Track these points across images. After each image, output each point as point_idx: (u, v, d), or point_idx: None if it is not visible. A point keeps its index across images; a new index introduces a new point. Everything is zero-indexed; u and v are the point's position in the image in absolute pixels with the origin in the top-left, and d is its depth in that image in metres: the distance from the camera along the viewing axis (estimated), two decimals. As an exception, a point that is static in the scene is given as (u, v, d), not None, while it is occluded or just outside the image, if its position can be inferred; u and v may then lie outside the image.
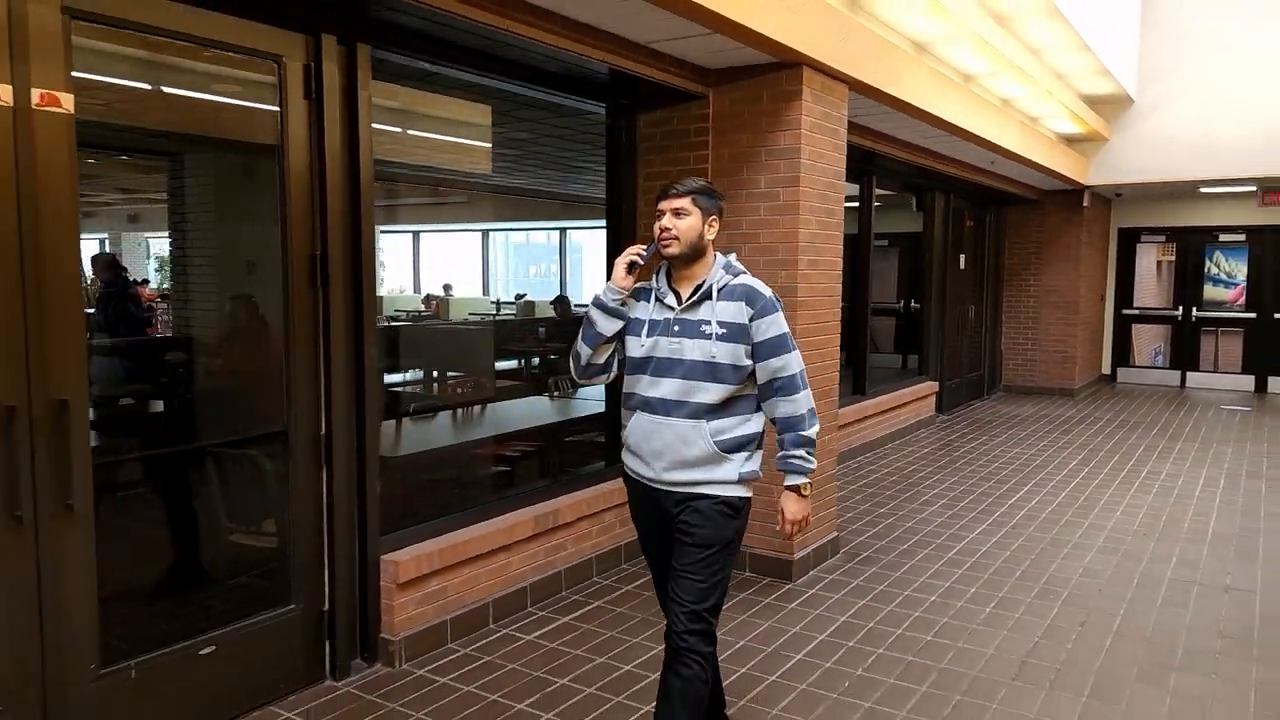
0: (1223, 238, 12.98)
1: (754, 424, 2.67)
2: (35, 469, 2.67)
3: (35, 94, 2.63)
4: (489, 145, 5.36)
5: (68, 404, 2.72)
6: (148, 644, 3.05)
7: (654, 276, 2.77)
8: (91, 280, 6.24)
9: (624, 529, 4.81)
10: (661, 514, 2.68)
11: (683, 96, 4.85)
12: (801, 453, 2.61)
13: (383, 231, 7.50)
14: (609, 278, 2.73)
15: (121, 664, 2.95)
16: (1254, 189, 11.56)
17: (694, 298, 2.64)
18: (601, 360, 2.76)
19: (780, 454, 2.64)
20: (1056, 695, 3.55)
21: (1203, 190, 11.80)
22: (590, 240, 14.43)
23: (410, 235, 15.94)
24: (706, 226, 2.66)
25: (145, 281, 8.49)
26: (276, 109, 3.33)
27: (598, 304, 2.71)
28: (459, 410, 6.16)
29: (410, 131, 4.62)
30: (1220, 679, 3.71)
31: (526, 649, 3.93)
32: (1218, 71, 10.28)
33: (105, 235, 9.07)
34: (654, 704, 2.72)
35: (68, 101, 2.71)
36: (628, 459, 2.76)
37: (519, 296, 15.41)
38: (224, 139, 3.65)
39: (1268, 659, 3.89)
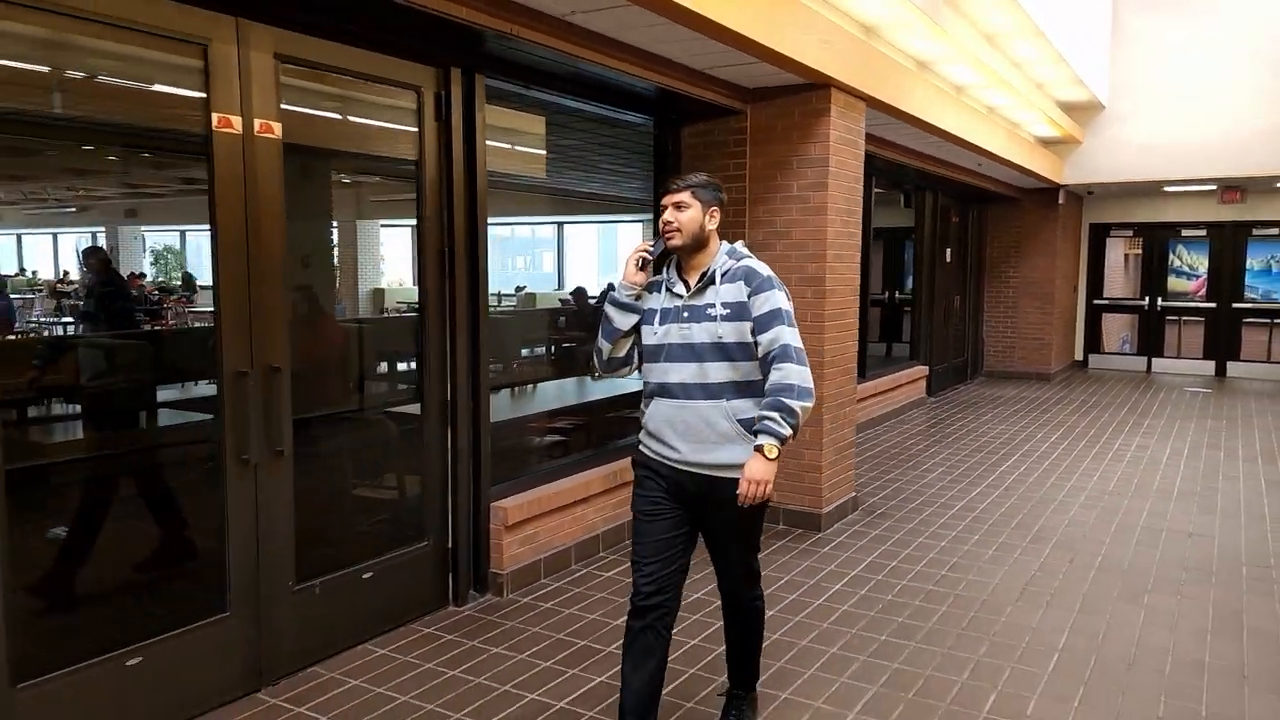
0: (1185, 233, 13.91)
1: None
2: (257, 422, 3.35)
3: (256, 123, 3.32)
4: (543, 152, 6.04)
5: (279, 369, 3.41)
6: (325, 568, 3.74)
7: (664, 268, 2.91)
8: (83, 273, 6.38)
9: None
10: (684, 496, 2.77)
11: (724, 112, 5.58)
12: (776, 415, 2.60)
13: (384, 226, 7.93)
14: (623, 276, 2.88)
15: (308, 583, 3.64)
16: (1214, 188, 12.50)
17: (700, 284, 2.76)
18: (622, 354, 2.90)
19: (758, 413, 2.66)
20: (1052, 611, 4.33)
21: (1167, 189, 12.71)
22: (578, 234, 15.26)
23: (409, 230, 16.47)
24: (708, 217, 2.79)
25: (142, 275, 8.72)
26: (415, 129, 4.01)
27: (613, 300, 2.87)
28: (515, 388, 6.84)
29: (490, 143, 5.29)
30: (1184, 598, 4.51)
31: (604, 584, 4.65)
32: (1180, 82, 11.17)
33: (101, 229, 9.07)
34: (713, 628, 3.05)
35: (277, 129, 3.39)
36: (649, 443, 2.84)
37: (519, 289, 16.04)
38: (374, 155, 4.31)
39: (1222, 584, 4.70)
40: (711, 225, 2.80)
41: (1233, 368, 13.48)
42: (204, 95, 3.11)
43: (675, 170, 5.81)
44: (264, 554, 3.43)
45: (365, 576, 3.89)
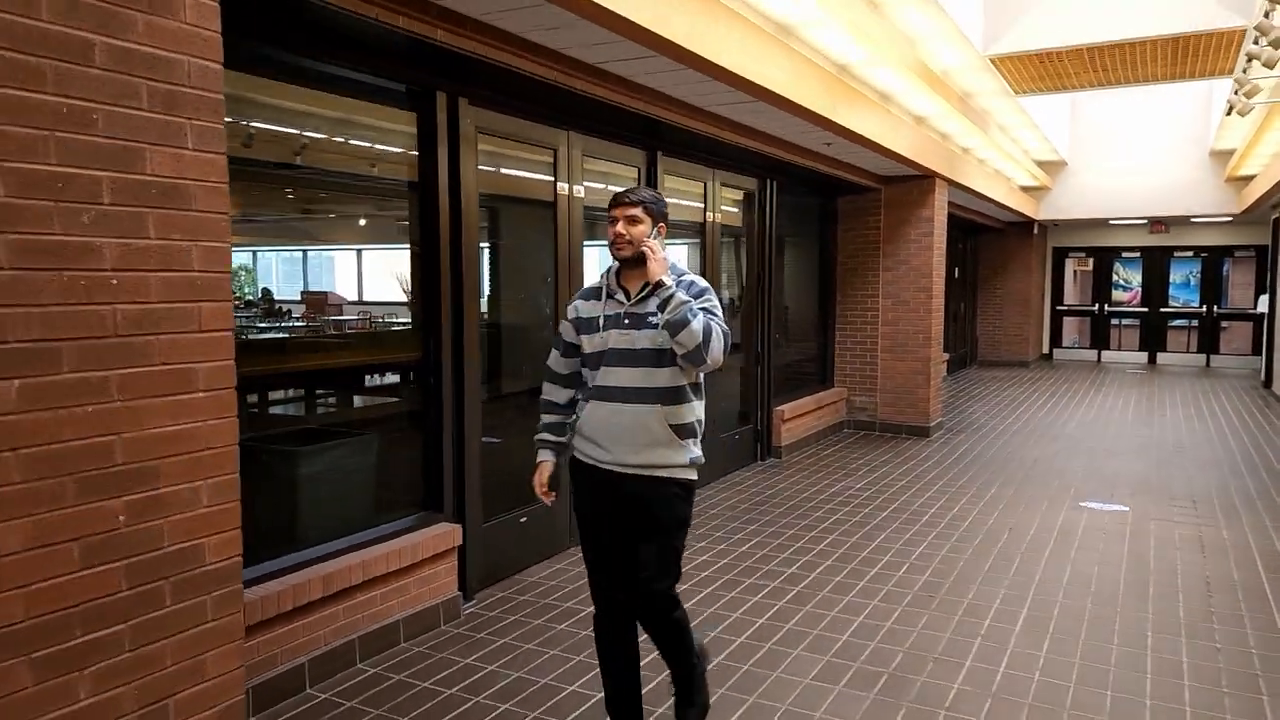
0: (1124, 254, 18.17)
1: (699, 410, 2.91)
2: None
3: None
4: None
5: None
6: (723, 427, 7.45)
7: (603, 276, 2.94)
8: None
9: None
10: (617, 499, 2.84)
11: (866, 190, 9.42)
12: (689, 310, 2.69)
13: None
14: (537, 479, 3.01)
15: (712, 439, 7.35)
16: (1145, 222, 16.75)
17: (642, 293, 2.82)
18: (573, 390, 3.01)
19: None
20: (1076, 459, 8.21)
21: (1111, 222, 16.93)
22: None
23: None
24: (656, 232, 2.83)
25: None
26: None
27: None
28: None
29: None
30: (1135, 457, 8.44)
31: (841, 453, 8.41)
32: (1121, 145, 15.35)
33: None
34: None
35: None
36: (583, 446, 2.89)
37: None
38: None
39: (1153, 454, 8.64)
40: (656, 240, 2.83)
41: (1161, 357, 17.74)
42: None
43: (833, 226, 9.65)
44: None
45: (723, 436, 7.62)
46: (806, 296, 9.54)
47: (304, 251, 8.83)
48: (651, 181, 6.33)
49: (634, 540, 2.84)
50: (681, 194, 6.95)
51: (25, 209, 1.85)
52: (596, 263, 5.99)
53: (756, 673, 3.75)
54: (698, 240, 7.20)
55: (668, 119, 5.62)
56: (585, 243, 5.80)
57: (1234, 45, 7.62)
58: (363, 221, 6.06)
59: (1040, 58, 8.15)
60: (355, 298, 6.80)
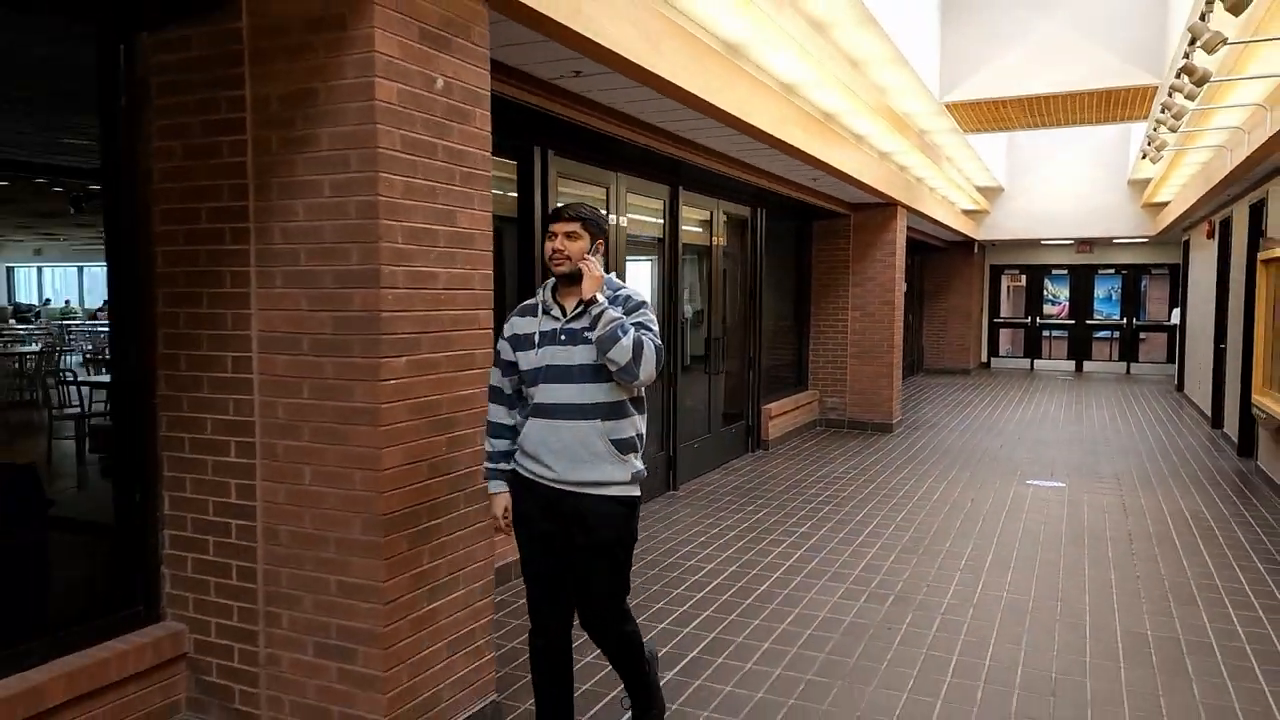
0: (1054, 271, 19.91)
1: (640, 425, 2.92)
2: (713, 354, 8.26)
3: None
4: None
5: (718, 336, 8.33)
6: (699, 432, 8.63)
7: (539, 292, 2.94)
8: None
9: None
10: (558, 516, 2.83)
11: (837, 215, 10.71)
12: (620, 326, 2.70)
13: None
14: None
15: (695, 438, 8.53)
16: (1073, 242, 18.47)
17: (578, 309, 2.82)
18: (517, 411, 2.94)
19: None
20: (1019, 449, 9.57)
21: (1043, 243, 18.62)
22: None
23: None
24: (594, 248, 2.85)
25: None
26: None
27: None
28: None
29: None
30: (1076, 450, 9.83)
31: (819, 445, 9.64)
32: (1052, 175, 17.01)
33: None
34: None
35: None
36: (525, 463, 2.86)
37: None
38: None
39: (1079, 446, 10.05)
40: (594, 256, 2.83)
41: (1087, 365, 19.49)
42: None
43: (809, 249, 10.93)
44: (713, 418, 8.34)
45: (721, 430, 8.80)
46: (785, 309, 10.78)
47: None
48: (674, 211, 7.49)
49: (578, 559, 2.85)
50: (694, 221, 8.11)
51: (408, 251, 2.90)
52: (631, 280, 7.12)
53: (793, 595, 4.90)
54: (706, 260, 8.36)
55: (689, 160, 6.78)
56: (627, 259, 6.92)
57: (1149, 97, 9.10)
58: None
59: (987, 104, 9.54)
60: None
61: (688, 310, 8.13)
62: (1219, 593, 5.03)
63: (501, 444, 2.94)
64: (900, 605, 4.78)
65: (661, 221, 7.45)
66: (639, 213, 7.13)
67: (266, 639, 3.02)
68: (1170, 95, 6.36)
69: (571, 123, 5.19)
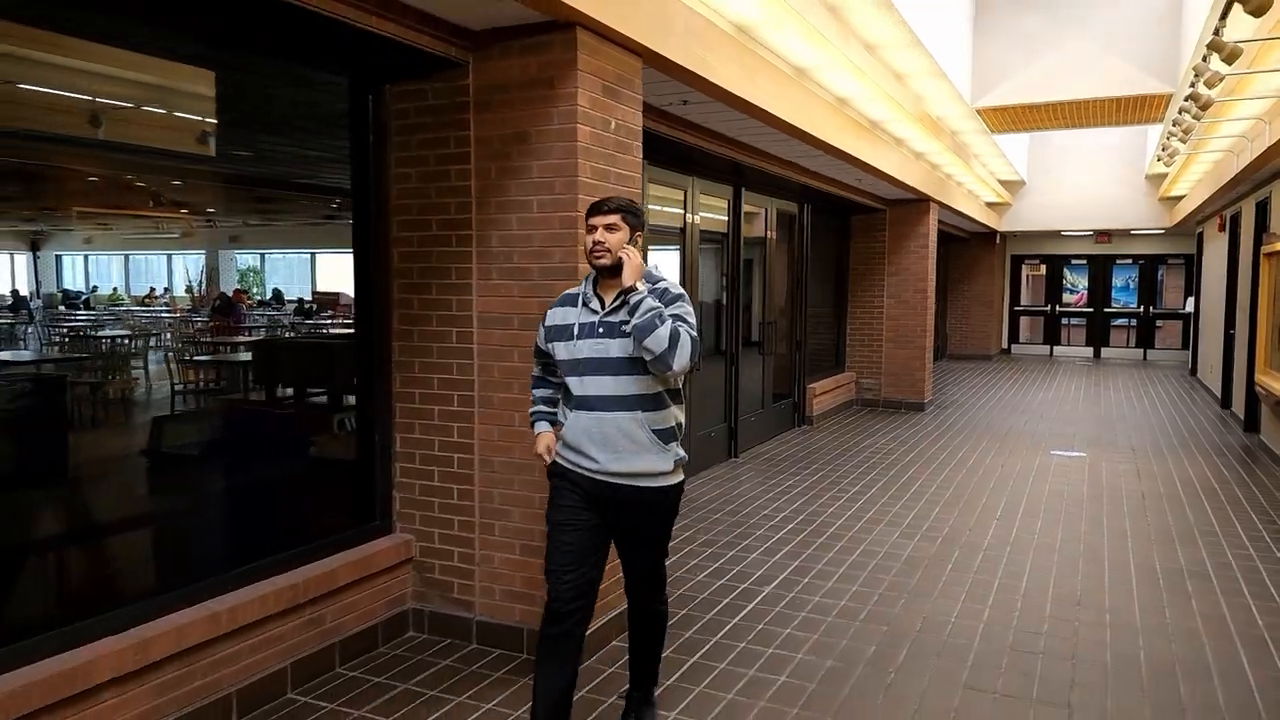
0: (1073, 261, 20.70)
1: (679, 415, 2.98)
2: (736, 336, 9.19)
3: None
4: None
5: (776, 323, 9.26)
6: (754, 408, 9.57)
7: (582, 283, 3.01)
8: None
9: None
10: (602, 502, 2.89)
11: (874, 210, 11.59)
12: (657, 315, 2.73)
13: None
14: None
15: (751, 412, 9.47)
16: (1091, 233, 19.26)
17: (617, 301, 2.86)
18: (555, 385, 3.09)
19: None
20: (1042, 425, 10.46)
21: (1062, 233, 19.40)
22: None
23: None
24: (634, 240, 2.91)
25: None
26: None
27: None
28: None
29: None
30: (1095, 426, 10.72)
31: (858, 421, 10.56)
32: (1072, 169, 17.78)
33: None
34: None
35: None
36: (566, 454, 2.93)
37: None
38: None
39: (1109, 426, 10.93)
40: (634, 248, 2.88)
41: (1105, 351, 20.29)
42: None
43: (848, 242, 11.83)
44: (741, 400, 9.28)
45: (771, 406, 9.74)
46: (824, 297, 11.68)
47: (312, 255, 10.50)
48: (736, 209, 8.41)
49: (623, 543, 2.99)
50: (750, 217, 9.03)
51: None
52: (699, 271, 8.04)
53: (857, 536, 5.84)
54: (761, 252, 9.28)
55: (749, 163, 7.68)
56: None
57: (1163, 102, 9.95)
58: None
59: (1015, 109, 10.41)
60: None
61: (746, 297, 9.05)
62: (1217, 537, 5.94)
63: (543, 392, 3.11)
64: (947, 544, 5.71)
65: (725, 219, 8.36)
66: (708, 211, 8.05)
67: (481, 544, 3.99)
68: (1180, 114, 7.23)
69: (666, 138, 6.11)
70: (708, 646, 4.07)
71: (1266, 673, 3.88)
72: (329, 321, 9.20)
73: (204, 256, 9.23)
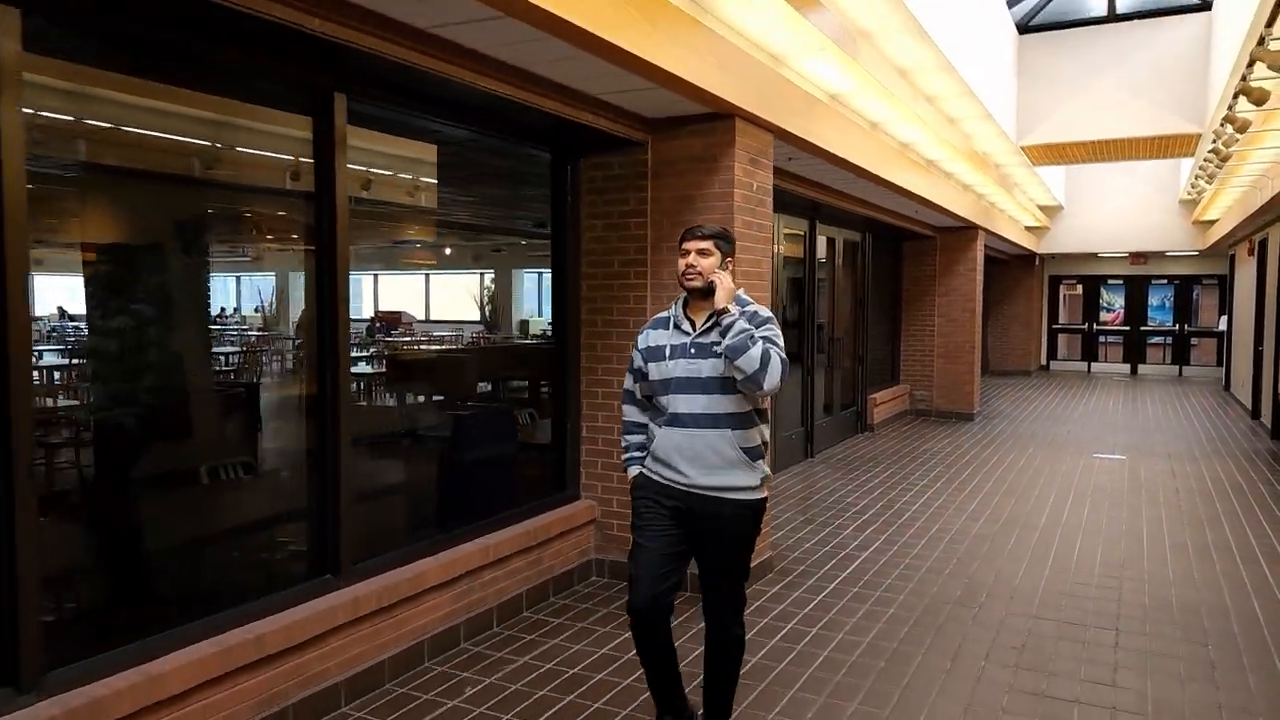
0: (1109, 281, 21.58)
1: (765, 434, 3.13)
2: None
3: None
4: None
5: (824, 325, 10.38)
6: (824, 414, 10.67)
7: (672, 306, 3.16)
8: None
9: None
10: (688, 518, 3.02)
11: (925, 237, 12.68)
12: (749, 336, 2.89)
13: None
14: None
15: (823, 418, 10.58)
16: (1126, 255, 20.18)
17: (708, 323, 3.01)
18: (643, 427, 3.21)
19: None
20: (1084, 433, 11.45)
21: (1099, 255, 20.33)
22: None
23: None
24: (726, 264, 3.04)
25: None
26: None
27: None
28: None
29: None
30: (1134, 434, 11.69)
31: (915, 429, 11.62)
32: (1108, 195, 18.74)
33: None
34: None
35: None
36: (656, 469, 3.08)
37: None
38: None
39: (1146, 435, 11.88)
40: (726, 273, 3.02)
41: (1141, 368, 21.13)
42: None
43: (897, 265, 12.93)
44: (814, 404, 10.39)
45: (838, 413, 10.84)
46: (880, 316, 12.78)
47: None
48: (811, 240, 9.56)
49: (707, 559, 3.08)
50: (822, 246, 10.17)
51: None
52: (782, 293, 9.19)
53: (929, 520, 6.93)
54: (830, 276, 10.42)
55: (823, 200, 8.83)
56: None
57: (1194, 141, 10.99)
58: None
59: (1054, 146, 11.50)
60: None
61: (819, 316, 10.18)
62: (1241, 521, 6.97)
63: (635, 439, 3.23)
64: (1008, 525, 6.79)
65: (802, 247, 9.52)
66: (790, 242, 9.21)
67: (652, 510, 5.14)
68: (1204, 162, 8.30)
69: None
70: (829, 589, 5.19)
71: (1273, 612, 4.94)
72: (405, 339, 10.29)
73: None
